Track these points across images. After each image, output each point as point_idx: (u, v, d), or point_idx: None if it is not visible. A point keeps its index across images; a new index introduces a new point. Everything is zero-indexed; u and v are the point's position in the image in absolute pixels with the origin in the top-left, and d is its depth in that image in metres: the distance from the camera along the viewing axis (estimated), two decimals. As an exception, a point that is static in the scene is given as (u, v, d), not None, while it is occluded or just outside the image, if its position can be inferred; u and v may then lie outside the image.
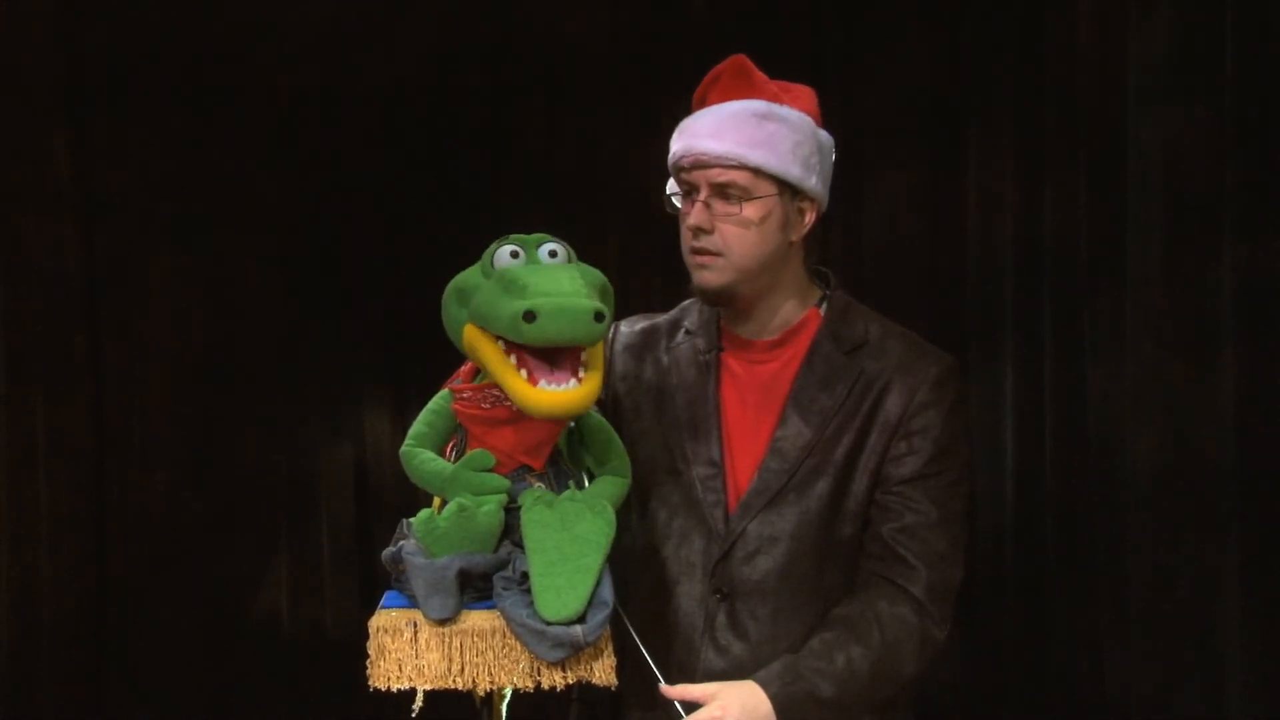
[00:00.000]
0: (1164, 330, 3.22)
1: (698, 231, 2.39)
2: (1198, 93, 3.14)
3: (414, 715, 2.20)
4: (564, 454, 2.32)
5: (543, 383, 2.15)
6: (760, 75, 2.43)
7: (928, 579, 2.39)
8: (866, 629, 2.36)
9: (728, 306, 2.48)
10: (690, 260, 2.44)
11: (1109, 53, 3.41)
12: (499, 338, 2.17)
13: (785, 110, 2.41)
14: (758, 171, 2.38)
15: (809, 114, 2.44)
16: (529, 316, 2.09)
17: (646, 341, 2.60)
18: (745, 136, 2.37)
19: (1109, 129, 3.39)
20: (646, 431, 2.52)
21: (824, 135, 2.46)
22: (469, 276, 2.26)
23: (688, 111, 2.47)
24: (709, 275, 2.42)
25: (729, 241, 2.39)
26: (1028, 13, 3.75)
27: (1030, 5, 3.74)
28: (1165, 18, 3.22)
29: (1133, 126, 3.30)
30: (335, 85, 4.22)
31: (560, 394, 2.15)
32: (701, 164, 2.38)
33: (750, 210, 2.38)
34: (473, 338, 2.22)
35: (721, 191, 2.39)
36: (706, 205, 2.39)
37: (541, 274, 2.18)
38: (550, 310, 2.10)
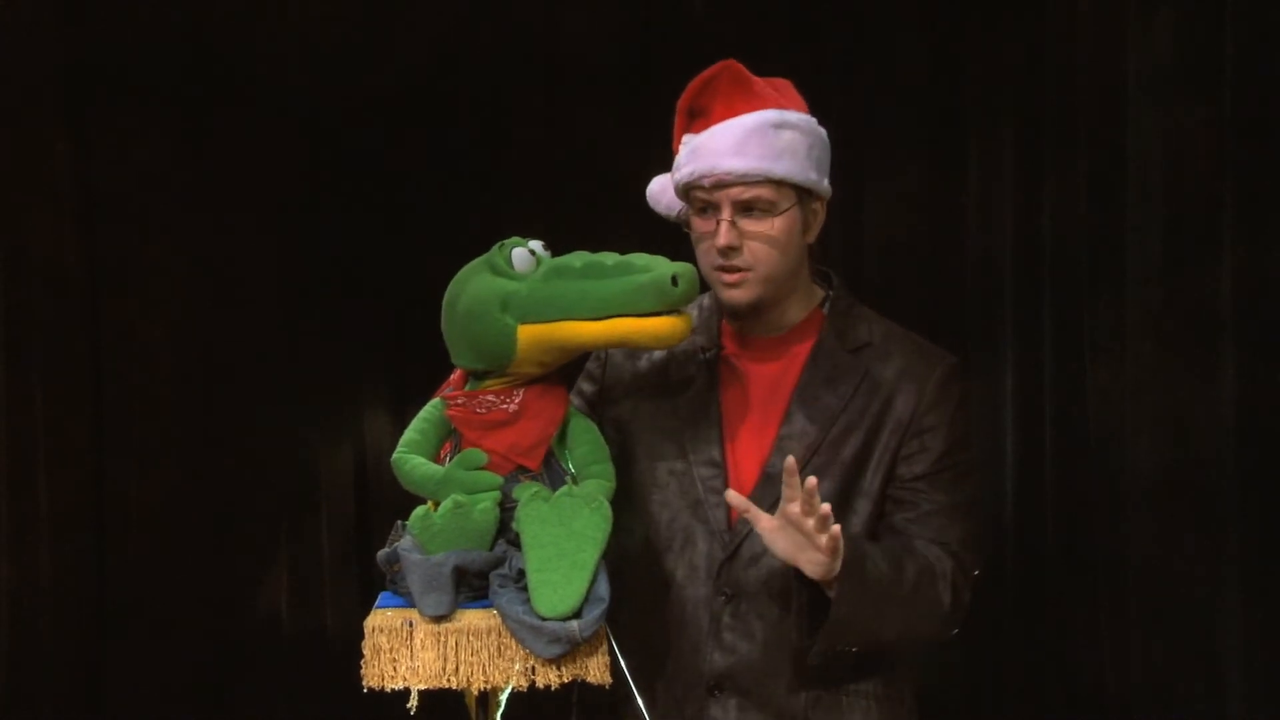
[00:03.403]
0: (1164, 330, 3.22)
1: (728, 251, 2.38)
2: (1198, 93, 3.14)
3: (411, 715, 2.21)
4: (556, 455, 2.33)
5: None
6: (756, 79, 2.42)
7: (948, 553, 2.40)
8: (908, 551, 2.37)
9: (754, 317, 2.48)
10: (716, 277, 2.42)
11: (1109, 53, 3.41)
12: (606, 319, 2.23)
13: (794, 115, 2.40)
14: (780, 183, 2.37)
15: (803, 109, 2.44)
16: (675, 280, 2.22)
17: (645, 340, 2.60)
18: (766, 150, 2.35)
19: (1109, 129, 3.39)
20: (646, 431, 2.51)
21: (823, 130, 2.46)
22: (496, 285, 2.28)
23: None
24: (739, 292, 2.41)
25: (758, 256, 2.38)
26: (1028, 12, 3.75)
27: (1030, 5, 3.74)
28: (1165, 18, 3.22)
29: (1133, 127, 3.30)
30: (335, 85, 4.22)
31: (678, 319, 2.27)
32: (724, 183, 2.36)
33: (779, 224, 2.37)
34: (535, 333, 2.25)
35: (746, 207, 2.37)
36: (733, 223, 2.37)
37: (601, 255, 2.28)
38: (685, 272, 2.24)
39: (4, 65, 3.96)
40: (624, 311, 2.22)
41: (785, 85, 2.46)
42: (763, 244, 2.38)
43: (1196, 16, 3.14)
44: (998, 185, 3.84)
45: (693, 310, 2.57)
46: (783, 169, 2.36)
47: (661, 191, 2.52)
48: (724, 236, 2.37)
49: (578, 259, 2.27)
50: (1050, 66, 3.67)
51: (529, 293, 2.25)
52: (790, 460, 2.24)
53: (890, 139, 4.01)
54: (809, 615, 2.32)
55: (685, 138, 2.43)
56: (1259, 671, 3.03)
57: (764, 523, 2.26)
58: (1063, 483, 3.64)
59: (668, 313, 2.24)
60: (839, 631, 2.29)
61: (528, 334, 2.25)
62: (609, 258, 2.27)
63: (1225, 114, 3.07)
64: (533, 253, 2.29)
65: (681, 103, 2.43)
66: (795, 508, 2.23)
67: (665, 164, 2.51)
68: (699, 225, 2.42)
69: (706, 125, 2.40)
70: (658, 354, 2.54)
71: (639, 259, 2.27)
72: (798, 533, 2.24)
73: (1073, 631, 3.61)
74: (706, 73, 2.41)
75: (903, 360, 2.46)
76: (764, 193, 2.36)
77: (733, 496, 2.30)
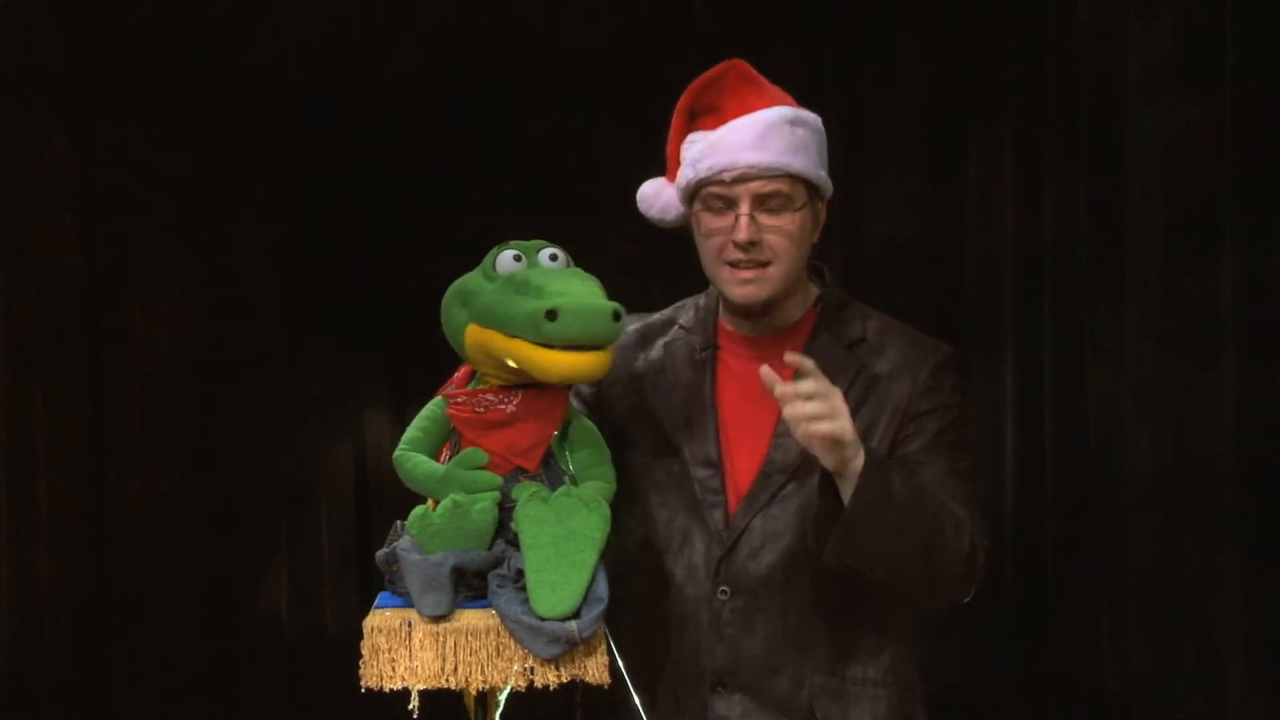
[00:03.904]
0: (1164, 330, 3.22)
1: (749, 246, 2.37)
2: (1198, 93, 3.15)
3: (412, 715, 2.21)
4: (556, 456, 2.33)
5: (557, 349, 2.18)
6: (763, 78, 2.43)
7: (955, 503, 2.40)
8: (929, 491, 2.34)
9: (765, 317, 2.48)
10: (729, 274, 2.41)
11: (1109, 53, 3.41)
12: (512, 338, 2.20)
13: (805, 113, 2.41)
14: (796, 178, 2.37)
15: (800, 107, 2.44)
16: (551, 315, 2.13)
17: (640, 341, 2.59)
18: (785, 145, 2.36)
19: (1109, 130, 3.39)
20: (642, 432, 2.51)
21: (822, 128, 2.46)
22: (470, 281, 2.30)
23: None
24: (754, 289, 2.40)
25: (777, 251, 2.38)
26: (1028, 13, 3.75)
27: (1031, 5, 3.74)
28: (1165, 18, 3.22)
29: (1133, 127, 3.30)
30: (335, 85, 4.22)
31: (580, 356, 2.18)
32: (746, 177, 2.35)
33: (796, 219, 2.38)
34: (477, 336, 2.25)
35: (764, 203, 2.37)
36: (752, 218, 2.37)
37: (552, 276, 2.23)
38: (572, 308, 2.14)
39: (4, 65, 3.96)
40: (521, 336, 2.18)
41: (777, 89, 2.46)
42: (781, 238, 2.38)
43: (1196, 16, 3.15)
44: (998, 185, 3.84)
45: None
46: (799, 164, 2.37)
47: (655, 196, 2.50)
48: (744, 231, 2.36)
49: (530, 274, 2.23)
50: (1050, 67, 3.67)
51: (485, 295, 2.24)
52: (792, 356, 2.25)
53: (890, 139, 4.01)
54: (827, 523, 2.30)
55: (695, 135, 2.42)
56: (1259, 671, 3.04)
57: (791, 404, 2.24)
58: (1063, 483, 3.64)
59: (563, 347, 2.16)
60: (856, 532, 2.26)
61: (472, 334, 2.25)
62: (542, 277, 2.22)
63: (1225, 114, 3.07)
64: (517, 259, 2.28)
65: (682, 103, 2.43)
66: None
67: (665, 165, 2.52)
68: (712, 222, 2.41)
69: (719, 122, 2.40)
70: (654, 354, 2.54)
71: (557, 284, 2.20)
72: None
73: (1073, 631, 3.61)
74: (710, 73, 2.42)
75: (897, 353, 2.47)
76: (782, 187, 2.36)
77: (765, 372, 2.27)
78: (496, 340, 2.22)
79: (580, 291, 2.19)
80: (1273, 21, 2.99)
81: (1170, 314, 3.21)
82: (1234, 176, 3.07)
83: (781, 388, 2.25)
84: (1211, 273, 3.12)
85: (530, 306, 2.16)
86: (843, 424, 2.23)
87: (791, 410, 2.24)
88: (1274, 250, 3.01)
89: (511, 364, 2.22)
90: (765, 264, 2.39)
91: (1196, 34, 3.15)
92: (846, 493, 2.27)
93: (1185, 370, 3.18)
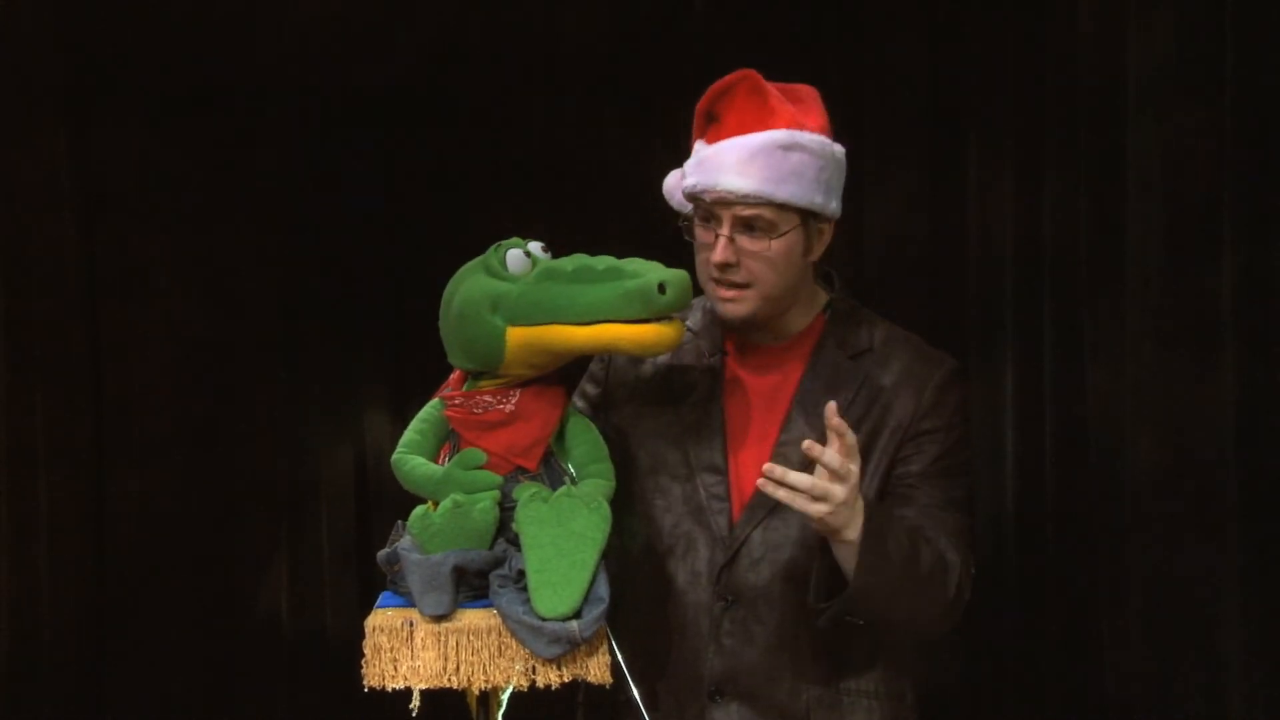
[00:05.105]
0: (1164, 330, 3.22)
1: (725, 267, 2.38)
2: (1198, 93, 3.14)
3: (413, 715, 2.21)
4: (556, 454, 2.33)
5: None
6: (774, 93, 2.40)
7: (952, 545, 2.40)
8: (924, 538, 2.36)
9: (754, 328, 2.47)
10: (713, 290, 2.42)
11: (1109, 53, 3.41)
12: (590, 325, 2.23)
13: (806, 136, 2.38)
14: (783, 205, 2.36)
15: (822, 128, 2.41)
16: (662, 288, 2.20)
17: (646, 342, 2.59)
18: (771, 171, 2.34)
19: (1109, 130, 3.39)
20: (649, 436, 2.51)
21: (838, 149, 2.43)
22: (488, 286, 2.28)
23: (688, 112, 2.45)
24: (735, 307, 2.41)
25: (755, 275, 2.38)
26: (1028, 13, 3.75)
27: (1031, 6, 3.74)
28: (1165, 19, 3.22)
29: (1132, 127, 3.30)
30: (335, 84, 4.22)
31: (675, 324, 2.28)
32: (724, 201, 2.36)
33: (778, 245, 2.37)
34: (524, 336, 2.25)
35: (747, 225, 2.37)
36: (731, 240, 2.37)
37: (607, 259, 2.27)
38: (674, 280, 2.23)
39: (4, 65, 3.96)
40: (611, 317, 2.22)
41: (808, 95, 2.43)
42: (759, 263, 2.37)
43: (1196, 17, 3.14)
44: (998, 185, 3.84)
45: (695, 314, 2.57)
46: (786, 193, 2.35)
47: (676, 187, 2.51)
48: (720, 253, 2.37)
49: (570, 262, 2.27)
50: (1050, 67, 3.67)
51: (519, 295, 2.25)
52: (831, 404, 2.24)
53: (890, 139, 4.01)
54: (825, 580, 2.32)
55: (699, 143, 2.42)
56: (1259, 672, 3.03)
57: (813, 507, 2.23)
58: (1063, 483, 3.64)
59: (656, 320, 2.23)
60: (855, 601, 2.29)
61: (516, 336, 2.25)
62: (602, 261, 2.26)
63: (1226, 114, 3.07)
64: (528, 254, 2.29)
65: (701, 105, 2.42)
66: (835, 454, 2.22)
67: (666, 163, 2.52)
68: (700, 234, 2.42)
69: (719, 135, 2.39)
70: (662, 358, 2.54)
71: (631, 264, 2.26)
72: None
73: (1073, 632, 3.61)
74: (726, 80, 2.40)
75: (902, 365, 2.47)
76: (764, 213, 2.36)
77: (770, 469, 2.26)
78: (559, 333, 2.23)
79: (643, 263, 2.27)
80: (1273, 22, 2.98)
81: (1170, 314, 3.20)
82: (1234, 176, 3.06)
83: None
84: (1211, 273, 3.11)
85: (628, 285, 2.21)
86: (828, 510, 2.23)
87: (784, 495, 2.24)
88: (1274, 250, 3.00)
89: (562, 351, 2.26)
90: (744, 285, 2.39)
91: (1196, 35, 3.14)
92: (842, 555, 2.28)
93: (1185, 370, 3.17)
